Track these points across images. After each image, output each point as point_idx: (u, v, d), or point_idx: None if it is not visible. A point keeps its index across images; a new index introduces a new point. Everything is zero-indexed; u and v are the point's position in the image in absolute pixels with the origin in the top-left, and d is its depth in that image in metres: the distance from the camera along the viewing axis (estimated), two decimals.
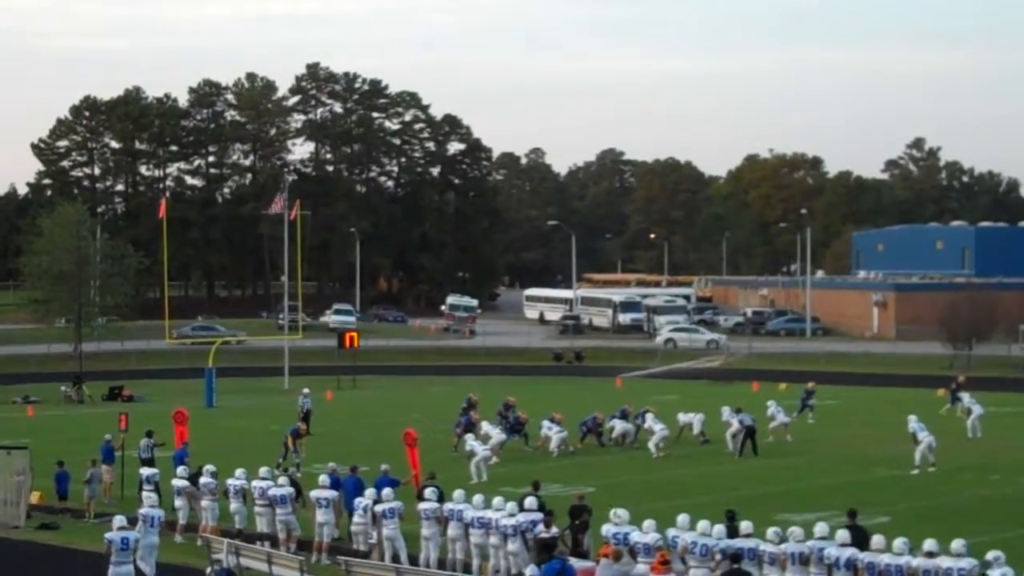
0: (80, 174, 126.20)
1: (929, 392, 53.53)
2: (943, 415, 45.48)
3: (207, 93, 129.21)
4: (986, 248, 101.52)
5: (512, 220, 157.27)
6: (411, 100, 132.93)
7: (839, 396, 54.62)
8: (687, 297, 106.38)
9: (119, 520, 21.31)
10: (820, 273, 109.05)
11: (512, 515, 22.08)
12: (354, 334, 67.59)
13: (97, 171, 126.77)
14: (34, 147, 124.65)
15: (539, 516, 21.76)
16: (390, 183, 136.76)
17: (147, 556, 22.33)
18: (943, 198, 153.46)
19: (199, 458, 29.33)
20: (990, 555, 17.74)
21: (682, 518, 20.55)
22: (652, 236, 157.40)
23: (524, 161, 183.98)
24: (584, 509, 22.56)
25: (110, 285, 76.74)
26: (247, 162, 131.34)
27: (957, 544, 18.19)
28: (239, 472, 25.99)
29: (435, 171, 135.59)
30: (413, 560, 22.84)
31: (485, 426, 37.58)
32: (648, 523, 20.31)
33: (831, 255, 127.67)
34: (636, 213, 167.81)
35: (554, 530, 21.36)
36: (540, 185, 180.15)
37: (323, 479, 25.34)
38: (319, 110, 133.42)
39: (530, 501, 22.36)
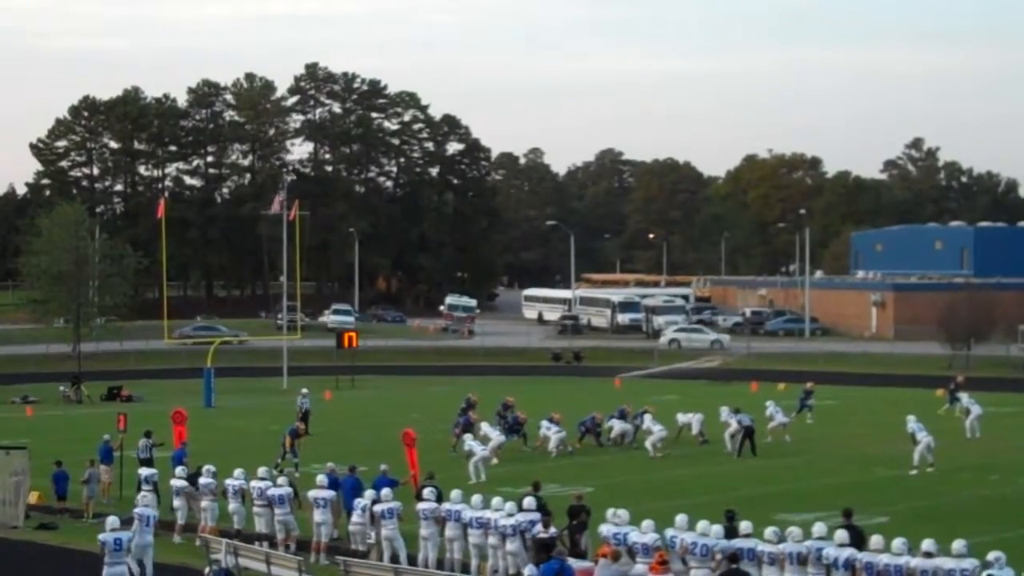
0: (79, 174, 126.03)
1: (928, 392, 53.55)
2: (942, 415, 45.45)
3: (206, 93, 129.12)
4: (985, 248, 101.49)
5: (511, 220, 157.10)
6: (410, 100, 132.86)
7: (838, 396, 54.64)
8: (686, 297, 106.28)
9: (112, 521, 21.34)
10: (819, 273, 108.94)
11: (511, 515, 22.07)
12: (353, 334, 67.59)
13: (96, 171, 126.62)
14: (33, 147, 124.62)
15: (537, 516, 21.76)
16: (389, 183, 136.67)
17: (142, 555, 22.33)
18: (942, 198, 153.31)
19: (198, 458, 29.32)
20: (991, 556, 17.71)
21: (681, 518, 20.52)
22: (651, 236, 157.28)
23: (523, 161, 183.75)
24: (582, 509, 22.57)
25: (109, 285, 76.68)
26: (246, 162, 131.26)
27: (958, 545, 18.17)
28: (238, 472, 26.01)
29: (434, 171, 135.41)
30: (412, 560, 22.84)
31: (484, 427, 37.54)
32: (647, 523, 20.28)
33: (830, 255, 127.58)
34: (635, 213, 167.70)
35: (552, 530, 21.36)
36: (539, 185, 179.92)
37: (321, 479, 25.37)
38: (318, 110, 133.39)
39: (529, 501, 22.36)
